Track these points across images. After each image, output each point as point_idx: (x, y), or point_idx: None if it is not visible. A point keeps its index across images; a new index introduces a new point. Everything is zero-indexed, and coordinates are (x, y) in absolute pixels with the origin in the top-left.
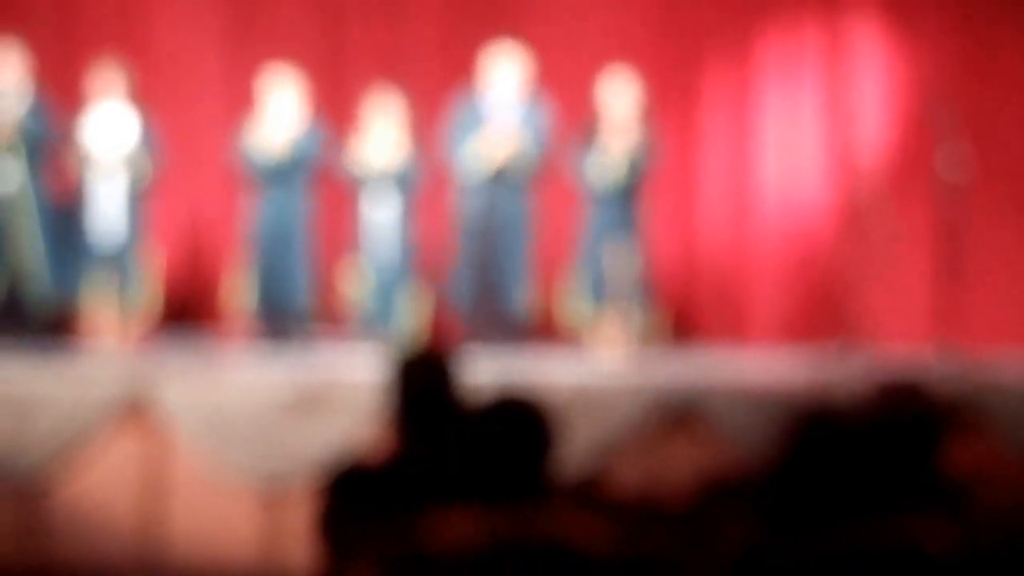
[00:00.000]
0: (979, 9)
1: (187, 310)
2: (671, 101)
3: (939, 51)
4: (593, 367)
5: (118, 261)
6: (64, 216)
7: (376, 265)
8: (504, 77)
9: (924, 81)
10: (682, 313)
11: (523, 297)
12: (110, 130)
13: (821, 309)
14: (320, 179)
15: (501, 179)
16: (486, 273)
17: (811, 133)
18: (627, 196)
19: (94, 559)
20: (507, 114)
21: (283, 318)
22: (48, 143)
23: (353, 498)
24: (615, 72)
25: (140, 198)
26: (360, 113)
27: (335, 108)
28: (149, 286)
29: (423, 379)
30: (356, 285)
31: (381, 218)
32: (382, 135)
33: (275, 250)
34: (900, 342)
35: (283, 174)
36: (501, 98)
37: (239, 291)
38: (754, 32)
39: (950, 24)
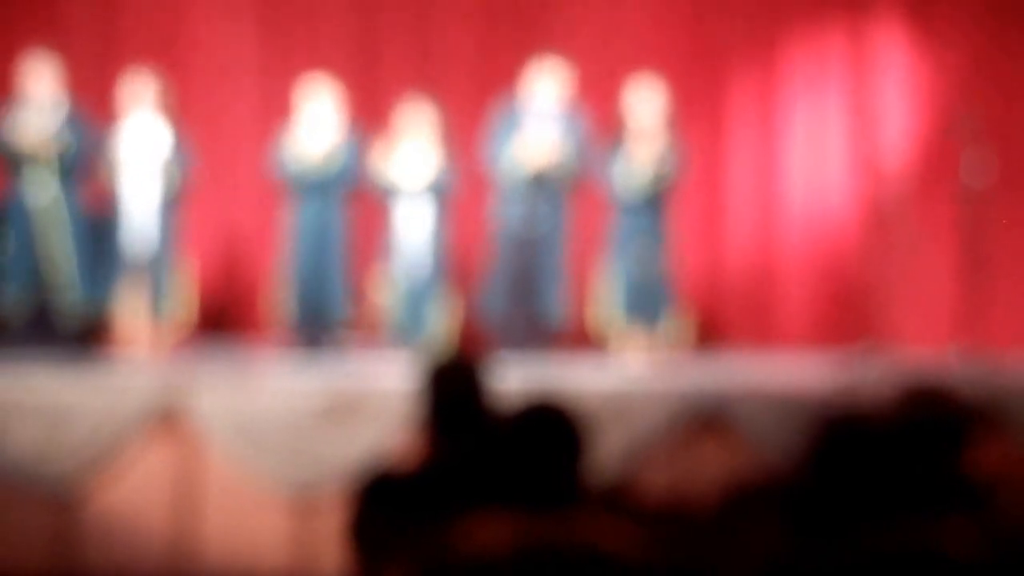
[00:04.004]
0: (1001, 16)
1: (220, 319)
2: (698, 109)
3: (962, 58)
4: (622, 373)
5: (151, 271)
6: (97, 227)
7: (407, 274)
8: (545, 89)
9: (947, 88)
10: (709, 319)
11: (557, 304)
12: (142, 141)
13: (846, 314)
14: (355, 189)
15: (540, 187)
16: (522, 280)
17: (836, 140)
18: (655, 203)
19: (127, 567)
20: (547, 125)
21: (320, 327)
22: (82, 155)
23: (385, 505)
24: (642, 80)
25: (172, 208)
26: (393, 123)
27: (370, 118)
28: (182, 296)
29: (454, 386)
30: (387, 293)
31: (413, 227)
32: (415, 145)
33: (313, 259)
34: (924, 346)
35: (321, 184)
36: (542, 109)
37: (277, 300)
38: (779, 40)
39: (973, 31)
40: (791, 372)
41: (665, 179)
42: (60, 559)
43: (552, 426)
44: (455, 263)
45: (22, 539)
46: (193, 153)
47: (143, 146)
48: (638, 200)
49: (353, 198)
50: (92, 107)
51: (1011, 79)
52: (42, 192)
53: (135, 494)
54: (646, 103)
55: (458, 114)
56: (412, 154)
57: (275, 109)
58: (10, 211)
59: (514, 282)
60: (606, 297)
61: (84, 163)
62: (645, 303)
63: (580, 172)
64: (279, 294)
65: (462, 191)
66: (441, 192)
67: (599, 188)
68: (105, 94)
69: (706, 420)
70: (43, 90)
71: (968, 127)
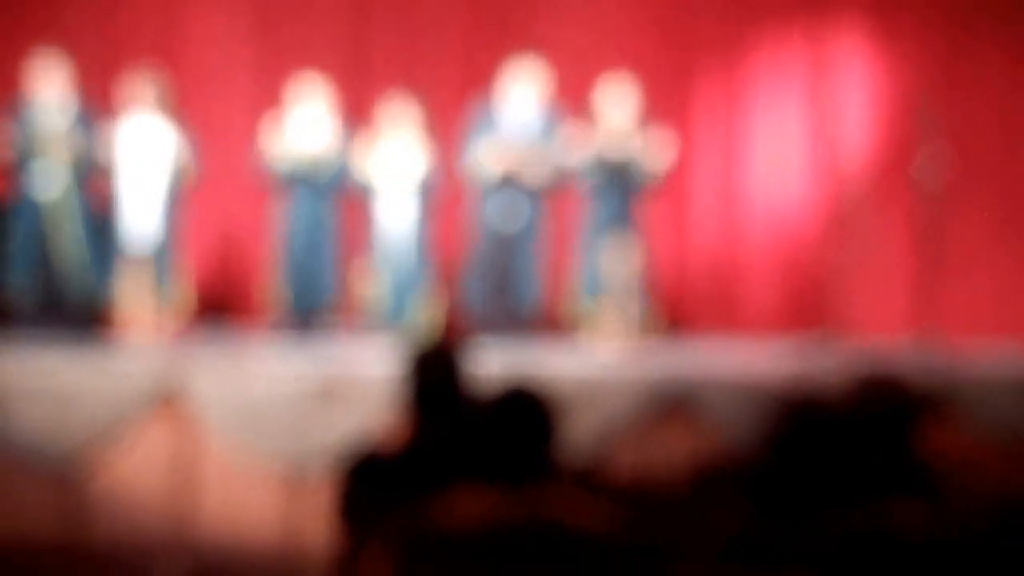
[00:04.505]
0: (958, 20)
1: (217, 307)
2: (666, 106)
3: (919, 61)
4: (593, 360)
5: (152, 262)
6: (101, 218)
7: (392, 265)
8: (523, 90)
9: (905, 89)
10: (676, 307)
11: (533, 295)
12: (142, 139)
13: (807, 303)
14: (344, 184)
15: (511, 185)
16: (499, 272)
17: (798, 137)
18: (624, 196)
19: (129, 540)
20: (524, 125)
21: (311, 315)
22: (91, 150)
23: (370, 483)
24: (613, 78)
25: (175, 201)
26: (379, 120)
27: (359, 116)
28: (181, 284)
29: (435, 371)
30: (374, 284)
31: (398, 221)
32: (399, 141)
33: (305, 251)
34: (880, 334)
35: (312, 181)
36: (519, 109)
37: (271, 290)
38: (744, 43)
39: (931, 34)
40: (754, 359)
41: (635, 173)
42: (66, 532)
43: (527, 409)
44: (438, 255)
45: (31, 513)
46: (196, 150)
47: (143, 144)
48: (609, 193)
49: (343, 192)
50: (93, 106)
51: (967, 80)
52: (52, 185)
53: (137, 471)
54: (617, 100)
55: (444, 111)
56: (396, 150)
57: (268, 106)
58: (20, 202)
59: (491, 274)
60: (578, 287)
61: (92, 159)
62: (615, 293)
63: (558, 170)
64: (273, 284)
65: (446, 186)
66: (425, 187)
67: (574, 183)
68: (105, 93)
69: (673, 405)
70: (52, 89)
71: (925, 126)
